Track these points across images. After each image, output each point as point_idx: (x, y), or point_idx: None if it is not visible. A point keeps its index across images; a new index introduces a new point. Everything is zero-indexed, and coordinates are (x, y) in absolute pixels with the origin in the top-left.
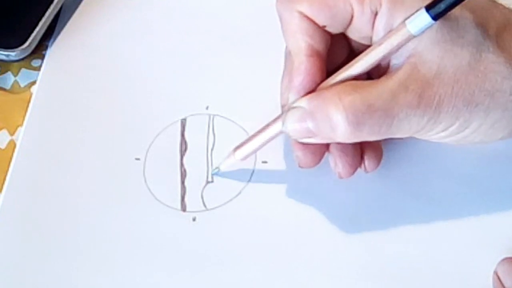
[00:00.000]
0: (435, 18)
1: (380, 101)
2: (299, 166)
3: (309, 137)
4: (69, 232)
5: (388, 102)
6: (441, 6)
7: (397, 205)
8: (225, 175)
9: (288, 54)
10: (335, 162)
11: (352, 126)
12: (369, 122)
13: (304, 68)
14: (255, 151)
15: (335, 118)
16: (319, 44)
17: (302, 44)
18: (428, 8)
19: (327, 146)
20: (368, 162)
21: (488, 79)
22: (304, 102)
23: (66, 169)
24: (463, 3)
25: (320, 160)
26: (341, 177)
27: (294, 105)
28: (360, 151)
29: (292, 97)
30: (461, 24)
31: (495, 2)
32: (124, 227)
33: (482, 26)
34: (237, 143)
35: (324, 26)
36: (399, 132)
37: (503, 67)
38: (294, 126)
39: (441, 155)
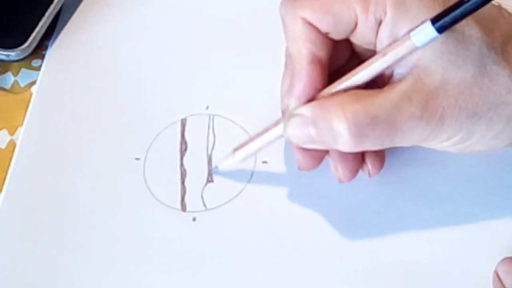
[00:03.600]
0: (440, 31)
1: (383, 113)
2: (299, 169)
3: (310, 143)
4: (69, 232)
5: (391, 114)
6: (447, 20)
7: (397, 206)
8: (225, 175)
9: (288, 57)
10: (335, 167)
11: (355, 137)
12: (372, 134)
13: (305, 75)
14: (254, 153)
15: (338, 129)
16: (321, 51)
17: (304, 50)
18: (433, 21)
19: (327, 150)
20: (371, 167)
21: (492, 92)
22: (306, 110)
23: (66, 169)
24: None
25: (319, 163)
26: (341, 182)
27: (296, 112)
28: (362, 156)
29: (293, 103)
30: (466, 36)
31: (501, 10)
32: (124, 227)
33: (487, 37)
34: (237, 144)
35: (327, 33)
36: (401, 142)
37: (508, 79)
38: (296, 132)
39: (441, 156)
